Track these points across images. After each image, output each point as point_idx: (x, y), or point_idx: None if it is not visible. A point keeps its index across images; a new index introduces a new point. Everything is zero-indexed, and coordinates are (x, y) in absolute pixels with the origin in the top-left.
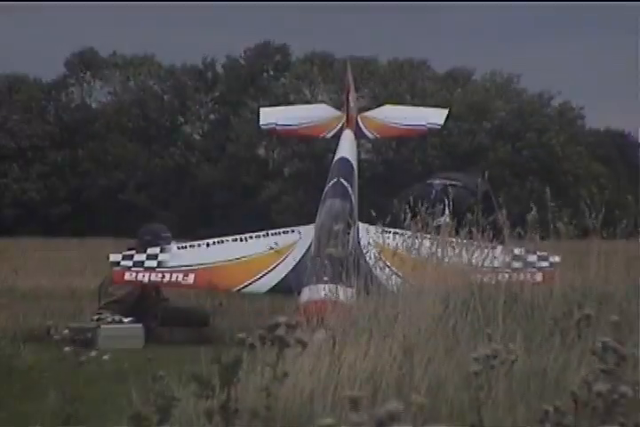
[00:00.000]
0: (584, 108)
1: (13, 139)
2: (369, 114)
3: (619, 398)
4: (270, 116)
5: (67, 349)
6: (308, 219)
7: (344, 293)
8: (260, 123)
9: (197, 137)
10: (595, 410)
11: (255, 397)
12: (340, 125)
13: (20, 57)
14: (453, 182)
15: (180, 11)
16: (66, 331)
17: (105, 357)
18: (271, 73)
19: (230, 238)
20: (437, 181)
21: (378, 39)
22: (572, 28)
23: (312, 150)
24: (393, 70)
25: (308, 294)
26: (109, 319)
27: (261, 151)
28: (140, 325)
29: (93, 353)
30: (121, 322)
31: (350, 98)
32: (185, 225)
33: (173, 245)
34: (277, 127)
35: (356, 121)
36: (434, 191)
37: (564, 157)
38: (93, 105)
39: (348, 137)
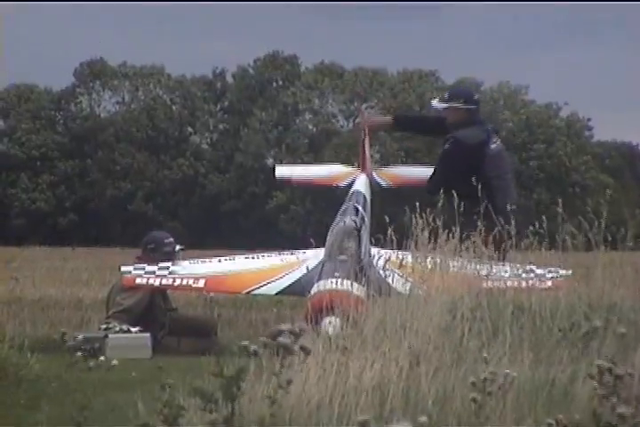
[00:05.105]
0: (591, 119)
1: (22, 148)
2: (385, 169)
3: None
4: (285, 172)
5: (78, 353)
6: (315, 228)
7: (356, 287)
8: (276, 176)
9: (206, 147)
10: None
11: (261, 405)
12: (355, 176)
13: (30, 66)
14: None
15: (189, 21)
16: (78, 337)
17: (114, 362)
18: (280, 83)
19: (242, 257)
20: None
21: (387, 50)
22: (582, 39)
23: (321, 161)
24: (402, 81)
25: (317, 288)
26: (117, 329)
27: (270, 161)
28: (147, 334)
29: (102, 358)
30: (129, 332)
31: (365, 147)
32: (193, 235)
33: (185, 261)
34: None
35: (371, 174)
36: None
37: (572, 168)
38: (102, 115)
39: (362, 179)
